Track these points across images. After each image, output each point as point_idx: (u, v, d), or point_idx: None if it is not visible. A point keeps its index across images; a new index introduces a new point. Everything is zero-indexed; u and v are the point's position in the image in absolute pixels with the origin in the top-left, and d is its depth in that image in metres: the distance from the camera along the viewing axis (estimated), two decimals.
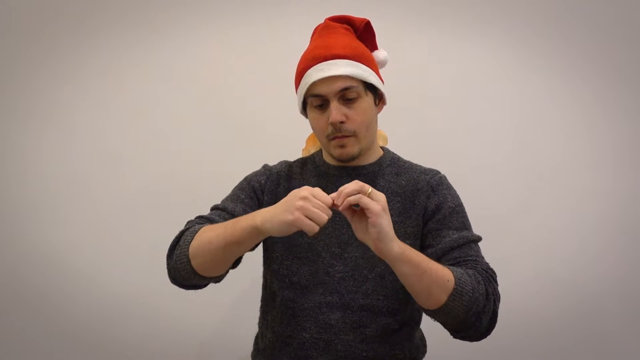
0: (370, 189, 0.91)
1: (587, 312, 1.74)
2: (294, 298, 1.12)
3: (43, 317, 1.79)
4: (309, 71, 1.09)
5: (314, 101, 1.10)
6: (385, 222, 0.90)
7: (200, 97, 1.80)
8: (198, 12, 1.80)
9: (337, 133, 1.09)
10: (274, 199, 1.15)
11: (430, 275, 0.94)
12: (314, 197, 0.90)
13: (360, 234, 0.95)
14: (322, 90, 1.08)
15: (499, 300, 1.04)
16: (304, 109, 1.17)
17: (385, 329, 1.10)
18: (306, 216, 0.89)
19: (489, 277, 1.04)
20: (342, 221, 1.12)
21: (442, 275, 0.96)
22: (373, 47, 1.18)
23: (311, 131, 1.40)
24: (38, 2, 1.79)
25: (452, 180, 1.20)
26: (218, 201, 1.19)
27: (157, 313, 1.79)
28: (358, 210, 0.94)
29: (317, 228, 0.90)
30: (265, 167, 1.25)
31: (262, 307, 1.23)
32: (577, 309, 1.74)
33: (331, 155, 1.15)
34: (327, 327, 1.09)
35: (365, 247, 1.08)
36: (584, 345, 1.74)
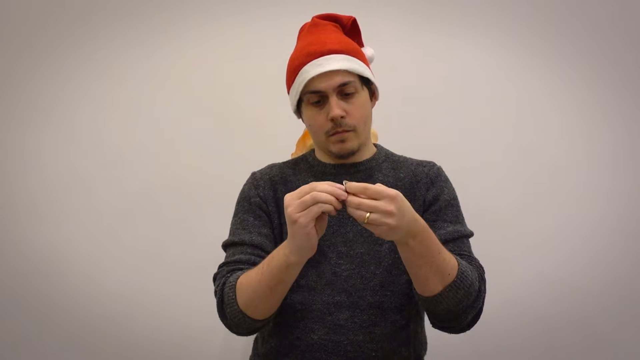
0: (367, 217, 0.86)
1: (587, 312, 1.73)
2: (302, 300, 1.11)
3: (42, 317, 1.79)
4: (306, 67, 1.08)
5: (312, 98, 1.10)
6: (396, 232, 0.88)
7: (200, 97, 1.81)
8: (197, 12, 1.81)
9: (337, 128, 1.09)
10: (276, 206, 1.16)
11: (431, 265, 0.94)
12: (297, 199, 0.89)
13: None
14: (320, 85, 1.07)
15: (484, 301, 1.06)
16: (298, 108, 1.16)
17: (393, 326, 1.10)
18: (316, 212, 0.87)
19: (481, 275, 1.06)
20: (346, 219, 1.13)
21: (446, 267, 0.96)
22: (359, 44, 1.19)
23: (299, 136, 1.40)
24: (37, 3, 1.80)
25: (450, 180, 1.21)
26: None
27: (156, 314, 1.79)
28: None
29: (330, 207, 0.87)
30: (254, 176, 1.22)
31: None
32: (577, 309, 1.73)
33: (330, 151, 1.14)
34: (336, 328, 1.09)
35: (370, 243, 1.10)
36: (584, 345, 1.73)
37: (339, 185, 0.88)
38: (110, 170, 1.81)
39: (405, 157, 1.23)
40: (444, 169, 1.22)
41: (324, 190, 0.87)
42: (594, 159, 1.74)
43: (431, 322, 1.10)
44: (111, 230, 1.80)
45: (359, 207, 0.86)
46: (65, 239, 1.80)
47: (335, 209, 0.88)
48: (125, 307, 1.78)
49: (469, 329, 1.06)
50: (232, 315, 1.04)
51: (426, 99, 1.76)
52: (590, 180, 1.74)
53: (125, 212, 1.79)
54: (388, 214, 0.85)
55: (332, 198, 0.87)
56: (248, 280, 1.02)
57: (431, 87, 1.77)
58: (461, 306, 0.99)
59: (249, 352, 1.26)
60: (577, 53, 1.75)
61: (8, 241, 1.79)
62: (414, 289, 1.02)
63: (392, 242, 1.09)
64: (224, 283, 1.07)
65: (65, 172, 1.81)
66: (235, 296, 1.03)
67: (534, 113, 1.76)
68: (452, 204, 1.15)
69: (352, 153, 1.13)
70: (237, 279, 1.04)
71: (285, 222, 1.11)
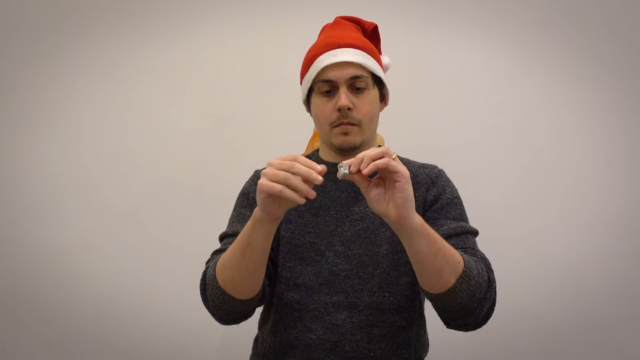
0: (395, 154, 0.86)
1: (584, 311, 1.74)
2: (299, 300, 1.11)
3: (48, 316, 1.79)
4: (321, 56, 1.10)
5: (322, 87, 1.11)
6: (411, 189, 0.87)
7: (205, 98, 1.83)
8: (201, 15, 1.84)
9: (342, 119, 1.09)
10: None
11: (444, 254, 0.92)
12: (276, 167, 0.87)
13: (377, 205, 0.88)
14: (333, 75, 1.09)
15: (496, 291, 1.02)
16: (307, 98, 1.16)
17: (392, 327, 1.10)
18: (276, 181, 0.86)
19: (488, 265, 1.03)
20: (343, 218, 1.13)
21: (454, 255, 0.94)
22: (378, 51, 1.21)
23: (310, 135, 1.42)
24: (44, 3, 1.84)
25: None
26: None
27: (158, 312, 1.79)
28: (374, 179, 0.90)
29: (294, 198, 0.85)
30: (256, 174, 1.23)
31: (263, 309, 1.21)
32: (574, 308, 1.75)
33: (332, 144, 1.14)
34: (334, 328, 1.09)
35: (368, 244, 1.09)
36: (581, 343, 1.74)
37: (318, 168, 0.85)
38: (115, 170, 1.82)
39: (408, 160, 1.23)
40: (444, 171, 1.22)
41: (299, 172, 0.84)
42: (589, 159, 1.77)
43: (445, 323, 1.05)
44: (117, 229, 1.80)
45: (387, 151, 0.85)
46: (70, 238, 1.80)
47: (303, 198, 0.86)
48: (128, 306, 1.78)
49: (485, 323, 1.02)
50: (212, 294, 1.02)
51: (420, 99, 1.79)
52: (586, 179, 1.77)
53: (130, 212, 1.80)
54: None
55: (303, 187, 0.85)
56: (225, 253, 1.01)
57: (426, 87, 1.80)
58: (475, 298, 0.95)
59: (249, 351, 1.25)
60: (571, 54, 1.79)
61: (15, 241, 1.80)
62: (426, 292, 0.98)
63: (390, 244, 1.10)
64: (209, 266, 1.07)
65: (70, 172, 1.82)
66: (215, 273, 1.01)
67: (528, 114, 1.79)
68: (455, 202, 1.14)
69: (354, 148, 1.11)
70: (217, 257, 1.04)
71: (282, 221, 1.12)
